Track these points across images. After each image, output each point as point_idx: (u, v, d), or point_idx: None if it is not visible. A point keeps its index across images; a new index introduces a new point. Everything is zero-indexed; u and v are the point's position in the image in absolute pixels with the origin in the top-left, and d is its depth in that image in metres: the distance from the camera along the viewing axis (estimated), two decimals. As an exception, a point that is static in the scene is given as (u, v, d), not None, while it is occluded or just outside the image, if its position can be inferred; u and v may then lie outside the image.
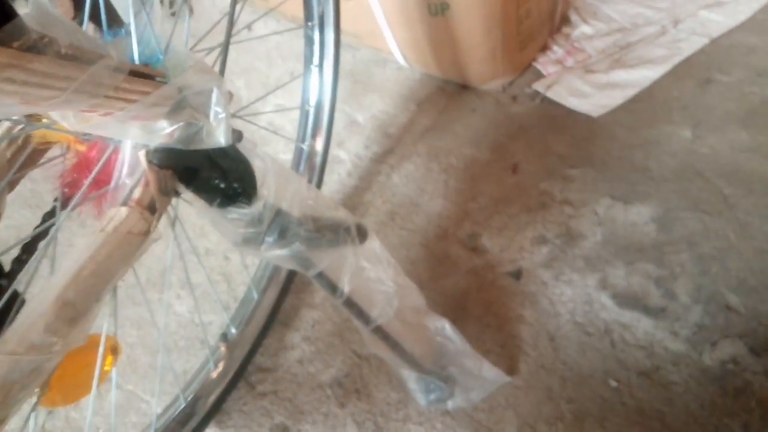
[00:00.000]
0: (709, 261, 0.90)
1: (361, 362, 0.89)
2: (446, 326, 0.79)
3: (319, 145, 0.98)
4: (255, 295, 0.92)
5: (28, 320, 0.44)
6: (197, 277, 1.02)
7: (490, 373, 0.81)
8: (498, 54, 1.21)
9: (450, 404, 0.81)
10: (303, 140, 0.98)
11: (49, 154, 0.60)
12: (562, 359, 0.84)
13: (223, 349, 0.87)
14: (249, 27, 1.37)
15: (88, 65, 0.42)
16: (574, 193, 1.02)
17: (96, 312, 0.49)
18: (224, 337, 0.88)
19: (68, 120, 0.46)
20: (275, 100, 1.31)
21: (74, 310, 0.46)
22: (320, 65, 0.93)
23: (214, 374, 0.84)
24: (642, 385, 0.80)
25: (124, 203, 0.50)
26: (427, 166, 1.11)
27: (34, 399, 0.60)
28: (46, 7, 0.41)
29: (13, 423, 0.47)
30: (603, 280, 0.91)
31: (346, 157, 1.17)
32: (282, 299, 0.95)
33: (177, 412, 0.79)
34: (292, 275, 0.97)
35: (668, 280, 0.89)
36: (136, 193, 0.51)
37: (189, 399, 0.80)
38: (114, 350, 0.66)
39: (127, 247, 0.49)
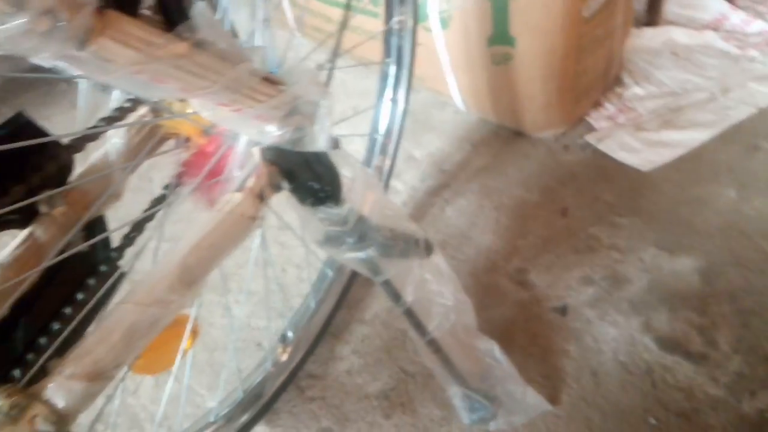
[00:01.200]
0: (750, 315, 0.93)
1: (408, 378, 0.93)
2: (495, 348, 0.83)
3: (385, 168, 1.05)
4: (312, 304, 0.97)
5: (154, 278, 0.50)
6: (256, 286, 1.08)
7: (533, 399, 0.85)
8: (554, 105, 1.28)
9: (492, 425, 0.85)
10: (369, 164, 1.05)
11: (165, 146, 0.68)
12: (603, 394, 0.87)
13: (280, 350, 0.92)
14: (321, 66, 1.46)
15: (234, 65, 0.50)
16: (622, 240, 1.06)
17: (204, 284, 0.55)
18: (283, 338, 0.93)
19: (205, 111, 0.53)
20: (338, 130, 1.39)
21: (191, 275, 0.52)
22: (393, 98, 1.01)
23: (270, 371, 0.89)
24: (680, 426, 0.83)
25: (239, 190, 0.57)
26: (480, 203, 1.17)
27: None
28: (208, 13, 0.49)
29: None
30: (646, 324, 0.94)
31: (403, 188, 1.24)
32: (336, 311, 1.00)
33: (234, 404, 0.83)
34: (347, 289, 1.02)
35: (710, 329, 0.92)
36: (249, 183, 0.58)
37: (247, 392, 0.85)
38: (195, 332, 0.72)
39: (238, 228, 0.56)
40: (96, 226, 0.63)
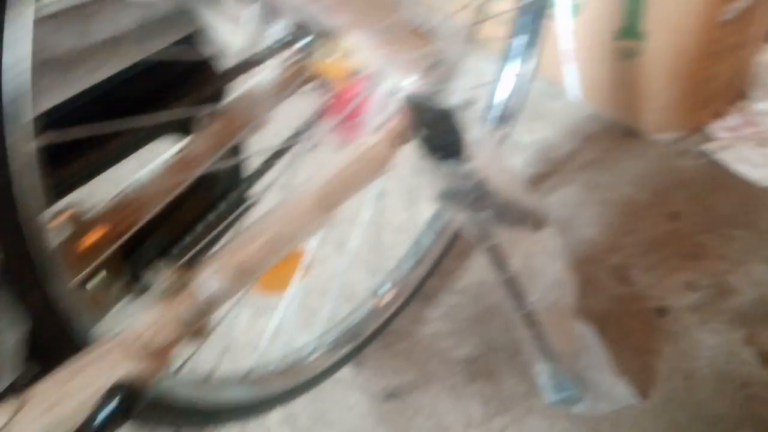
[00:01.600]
0: None
1: (493, 351, 0.95)
2: (591, 333, 0.83)
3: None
4: (408, 266, 1.00)
5: (297, 197, 0.54)
6: (354, 242, 1.11)
7: (622, 391, 0.84)
8: (675, 108, 1.24)
9: (575, 408, 0.84)
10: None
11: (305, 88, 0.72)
12: (694, 399, 0.85)
13: (374, 301, 0.95)
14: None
15: (394, 11, 0.52)
16: (733, 251, 1.03)
17: (334, 214, 0.58)
18: (377, 292, 0.96)
19: (360, 52, 0.56)
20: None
21: (327, 202, 0.55)
22: (519, 73, 1.02)
23: (367, 315, 0.93)
24: (775, 445, 0.79)
25: (377, 133, 0.60)
26: (585, 196, 1.16)
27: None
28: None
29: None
30: (750, 337, 0.90)
31: (507, 170, 1.24)
32: (429, 276, 1.02)
33: (333, 339, 0.88)
34: (443, 257, 1.04)
35: (820, 354, 0.88)
36: (387, 127, 0.60)
37: (345, 330, 0.90)
38: (307, 266, 0.76)
39: (371, 168, 0.59)
40: (235, 153, 0.68)
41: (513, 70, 1.02)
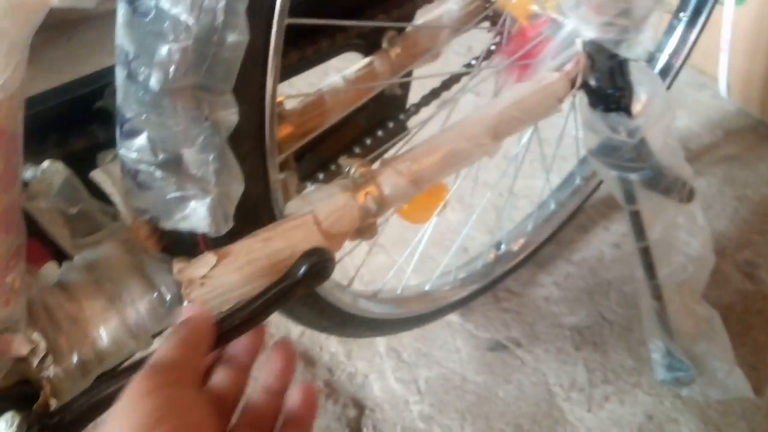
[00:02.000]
0: None
1: (605, 323, 0.95)
2: (716, 318, 0.82)
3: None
4: (529, 227, 1.01)
5: (474, 119, 0.56)
6: (472, 200, 1.13)
7: (738, 381, 0.82)
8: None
9: (685, 390, 0.84)
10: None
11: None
12: (815, 406, 0.82)
13: (492, 255, 0.98)
14: None
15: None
16: None
17: (500, 145, 0.60)
18: (497, 246, 0.98)
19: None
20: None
21: (499, 129, 0.57)
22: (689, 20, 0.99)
23: (497, 257, 0.96)
24: None
25: (557, 71, 0.61)
26: (720, 189, 1.12)
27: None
28: None
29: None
30: None
31: (638, 153, 1.21)
32: (546, 243, 1.03)
33: (468, 274, 0.93)
34: (563, 226, 1.04)
35: None
36: (567, 67, 0.62)
37: (480, 267, 0.94)
38: (446, 203, 0.79)
39: (545, 104, 0.60)
40: (406, 82, 0.72)
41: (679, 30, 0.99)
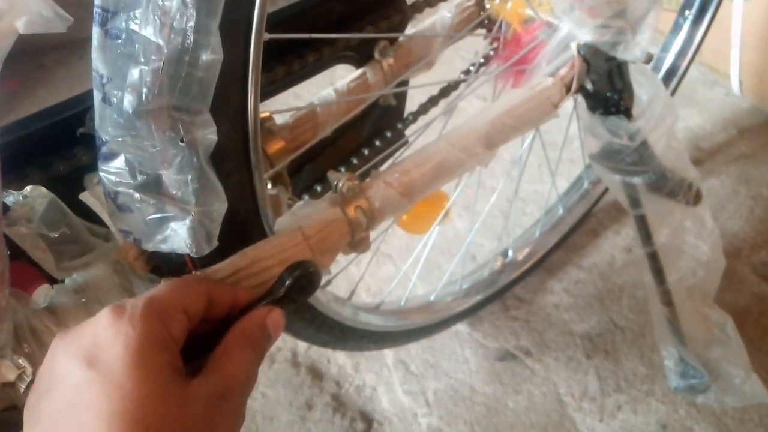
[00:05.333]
0: None
1: (616, 330, 0.93)
2: (729, 323, 0.79)
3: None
4: (537, 234, 1.00)
5: (465, 129, 0.55)
6: (480, 206, 1.12)
7: (755, 388, 0.79)
8: None
9: (700, 398, 0.81)
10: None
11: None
12: (837, 412, 0.79)
13: (498, 263, 0.96)
14: None
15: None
16: None
17: (494, 154, 0.59)
18: (504, 253, 0.97)
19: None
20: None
21: (493, 138, 0.56)
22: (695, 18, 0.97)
23: (486, 276, 0.94)
24: None
25: (551, 76, 0.60)
26: (735, 188, 1.09)
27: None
28: None
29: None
30: None
31: (649, 155, 1.19)
32: (556, 248, 1.01)
33: (474, 283, 0.92)
34: (572, 231, 1.02)
35: None
36: (561, 72, 0.60)
37: (485, 275, 0.92)
38: (448, 214, 0.78)
39: (541, 110, 0.59)
40: (401, 92, 0.71)
41: (674, 49, 0.98)
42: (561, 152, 0.96)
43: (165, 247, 0.40)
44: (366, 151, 0.68)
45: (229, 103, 0.41)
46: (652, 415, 0.83)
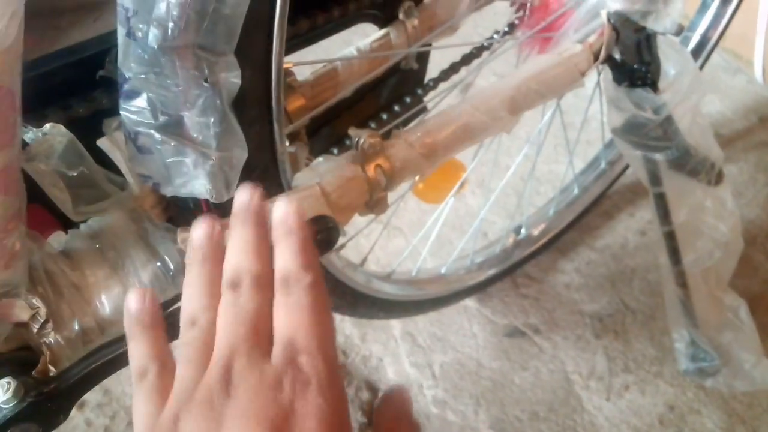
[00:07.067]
0: None
1: (627, 312, 0.92)
2: (743, 308, 0.78)
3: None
4: (551, 212, 0.99)
5: (490, 93, 0.54)
6: (494, 184, 1.11)
7: (765, 372, 0.79)
8: None
9: (709, 381, 0.81)
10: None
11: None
12: None
13: (511, 240, 0.95)
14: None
15: None
16: None
17: (517, 119, 0.58)
18: (517, 230, 0.96)
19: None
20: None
21: (518, 103, 0.55)
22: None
23: (498, 252, 0.93)
24: None
25: (580, 43, 0.59)
26: (753, 175, 1.08)
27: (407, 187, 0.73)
28: None
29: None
30: None
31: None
32: (569, 228, 1.00)
33: (488, 257, 0.91)
34: (586, 212, 1.01)
35: None
36: (590, 39, 0.59)
37: (499, 251, 0.92)
38: (464, 184, 0.77)
39: (567, 77, 0.58)
40: (423, 54, 0.70)
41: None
42: (579, 133, 0.95)
43: (184, 192, 0.40)
44: (384, 116, 0.67)
45: (254, 49, 0.40)
46: (660, 396, 0.82)
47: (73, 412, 0.85)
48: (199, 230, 0.34)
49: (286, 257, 0.32)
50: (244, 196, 0.34)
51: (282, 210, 0.34)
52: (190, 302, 0.32)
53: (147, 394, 0.30)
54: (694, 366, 0.81)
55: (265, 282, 0.32)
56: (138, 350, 0.32)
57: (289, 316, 0.30)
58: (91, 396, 0.84)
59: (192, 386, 0.28)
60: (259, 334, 0.30)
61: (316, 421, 0.27)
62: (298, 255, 0.32)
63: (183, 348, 0.31)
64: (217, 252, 0.33)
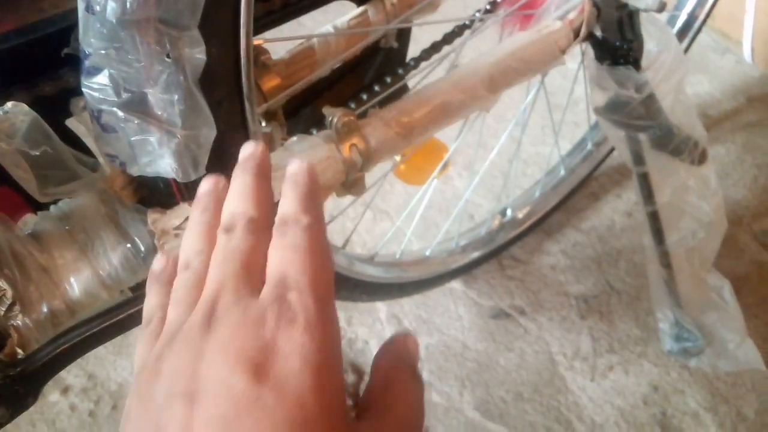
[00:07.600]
0: None
1: (612, 292, 0.92)
2: (726, 287, 0.78)
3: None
4: (537, 194, 0.98)
5: (469, 70, 0.53)
6: (478, 166, 1.11)
7: (749, 353, 0.79)
8: None
9: (693, 361, 0.81)
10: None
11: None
12: (829, 380, 0.79)
13: (496, 222, 0.95)
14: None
15: None
16: None
17: (497, 98, 0.57)
18: (503, 212, 0.95)
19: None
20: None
21: (497, 81, 0.54)
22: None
23: (483, 234, 0.93)
24: None
25: (560, 20, 0.58)
26: (740, 156, 1.07)
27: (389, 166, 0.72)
28: None
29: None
30: None
31: (655, 120, 1.17)
32: (555, 210, 1.00)
33: (473, 240, 0.92)
34: (572, 193, 1.01)
35: None
36: (570, 16, 0.58)
37: (483, 234, 0.91)
38: (447, 166, 0.76)
39: (547, 54, 0.57)
40: (403, 33, 0.69)
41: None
42: (564, 113, 0.94)
43: (150, 171, 0.39)
44: (364, 96, 0.66)
45: (219, 24, 0.39)
46: (644, 376, 0.83)
47: (57, 396, 0.85)
48: (204, 184, 0.35)
49: (287, 203, 0.32)
50: (250, 148, 0.35)
51: (296, 165, 0.34)
52: (185, 248, 0.32)
53: (146, 338, 0.31)
54: (678, 346, 0.81)
55: (260, 226, 0.31)
56: (149, 303, 0.33)
57: (283, 255, 0.29)
58: (76, 381, 0.83)
59: (178, 326, 0.28)
60: (249, 272, 0.29)
61: (299, 359, 0.25)
62: (300, 200, 0.32)
63: (174, 291, 0.31)
64: (218, 204, 0.34)
